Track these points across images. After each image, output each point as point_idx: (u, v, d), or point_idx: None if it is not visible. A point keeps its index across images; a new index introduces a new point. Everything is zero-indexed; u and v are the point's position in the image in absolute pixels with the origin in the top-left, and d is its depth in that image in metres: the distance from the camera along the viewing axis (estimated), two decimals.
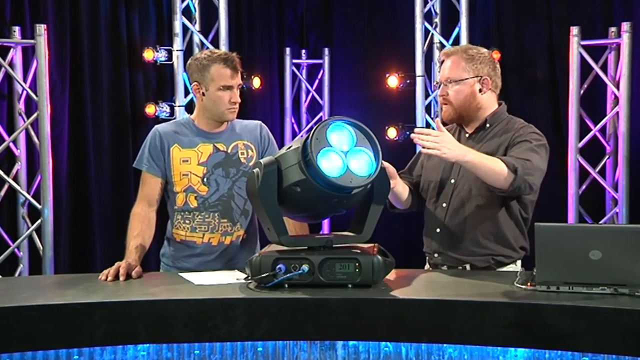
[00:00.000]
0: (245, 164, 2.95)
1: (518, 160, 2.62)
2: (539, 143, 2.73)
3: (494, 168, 2.59)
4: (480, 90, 2.82)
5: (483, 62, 2.83)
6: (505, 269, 2.77)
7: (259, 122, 3.11)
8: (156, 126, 3.02)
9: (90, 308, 2.12)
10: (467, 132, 2.90)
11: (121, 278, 2.51)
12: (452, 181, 2.82)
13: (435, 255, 2.86)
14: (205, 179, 2.92)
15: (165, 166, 2.93)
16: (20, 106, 4.67)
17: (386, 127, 5.42)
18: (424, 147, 2.56)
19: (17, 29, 4.58)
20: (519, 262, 2.82)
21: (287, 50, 5.84)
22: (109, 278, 2.50)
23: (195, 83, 2.95)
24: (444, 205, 2.82)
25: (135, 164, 2.98)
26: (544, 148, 2.75)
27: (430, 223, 2.89)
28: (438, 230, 2.84)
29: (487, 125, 2.86)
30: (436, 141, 2.54)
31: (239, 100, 2.96)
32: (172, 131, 2.97)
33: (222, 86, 2.91)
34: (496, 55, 5.05)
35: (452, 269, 2.80)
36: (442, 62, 2.87)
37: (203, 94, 2.94)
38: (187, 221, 2.94)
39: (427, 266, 2.95)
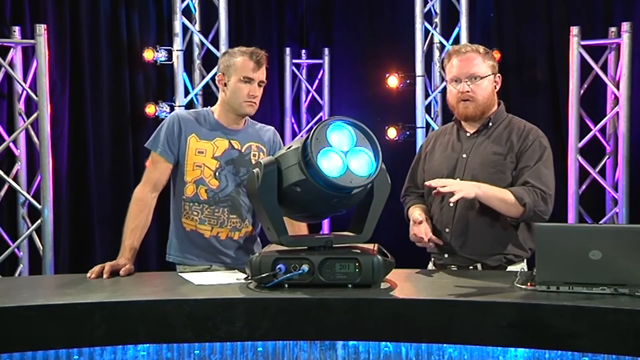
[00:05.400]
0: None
1: (530, 192, 2.70)
2: (547, 153, 2.80)
3: (505, 201, 2.71)
4: (495, 87, 2.87)
5: (493, 59, 2.89)
6: (514, 267, 2.77)
7: (273, 128, 3.14)
8: (176, 111, 3.06)
9: (90, 308, 2.12)
10: (468, 132, 2.90)
11: (105, 275, 2.53)
12: (457, 180, 2.82)
13: (445, 255, 2.84)
14: (216, 173, 2.94)
15: (179, 153, 2.94)
16: (20, 106, 4.68)
17: (386, 127, 5.42)
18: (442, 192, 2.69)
19: (17, 29, 4.59)
20: (525, 261, 2.83)
21: (287, 50, 5.84)
22: (93, 275, 2.53)
23: (220, 74, 2.99)
24: (451, 204, 2.79)
25: (148, 144, 2.97)
26: (551, 157, 2.82)
27: (438, 223, 2.86)
28: (447, 230, 2.83)
29: (490, 124, 2.87)
30: (452, 187, 2.65)
31: (258, 95, 2.97)
32: (191, 120, 2.98)
33: (243, 77, 2.93)
34: (496, 55, 5.05)
35: (463, 269, 2.80)
36: (450, 59, 2.86)
37: (225, 85, 2.97)
38: (196, 212, 2.94)
39: (430, 267, 2.93)
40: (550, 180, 2.78)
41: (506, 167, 2.78)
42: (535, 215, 2.68)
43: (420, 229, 2.77)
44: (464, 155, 2.85)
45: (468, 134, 2.90)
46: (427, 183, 2.74)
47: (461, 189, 2.64)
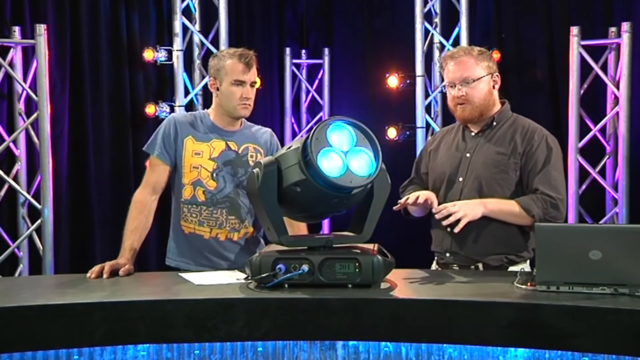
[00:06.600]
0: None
1: (538, 202, 2.71)
2: (555, 154, 2.81)
3: (513, 214, 2.74)
4: (493, 87, 2.88)
5: (489, 59, 2.89)
6: (516, 267, 2.76)
7: (270, 130, 3.14)
8: (173, 114, 3.08)
9: (90, 308, 2.12)
10: (473, 131, 2.91)
11: (105, 275, 2.53)
12: (460, 179, 2.83)
13: (447, 254, 2.85)
14: (214, 175, 2.94)
15: (176, 155, 2.95)
16: (20, 106, 4.67)
17: (386, 127, 5.42)
18: (449, 222, 2.68)
19: (17, 29, 4.58)
20: (528, 261, 2.83)
21: (287, 50, 5.84)
22: (93, 275, 2.53)
23: (212, 78, 3.01)
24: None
25: (146, 148, 3.00)
26: (560, 156, 2.84)
27: (439, 222, 2.85)
28: (449, 229, 2.82)
29: (494, 123, 2.87)
30: (457, 215, 2.66)
31: (251, 96, 2.98)
32: (187, 122, 2.99)
33: (234, 81, 2.94)
34: (496, 55, 5.06)
35: (464, 268, 2.80)
36: (445, 65, 2.87)
37: (217, 89, 2.98)
38: (195, 214, 2.95)
39: (434, 266, 2.94)
40: (560, 183, 2.79)
41: (509, 167, 2.79)
42: (548, 221, 2.68)
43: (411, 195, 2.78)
44: (468, 155, 2.86)
45: (472, 134, 2.91)
46: (433, 210, 2.74)
47: (466, 214, 2.66)
